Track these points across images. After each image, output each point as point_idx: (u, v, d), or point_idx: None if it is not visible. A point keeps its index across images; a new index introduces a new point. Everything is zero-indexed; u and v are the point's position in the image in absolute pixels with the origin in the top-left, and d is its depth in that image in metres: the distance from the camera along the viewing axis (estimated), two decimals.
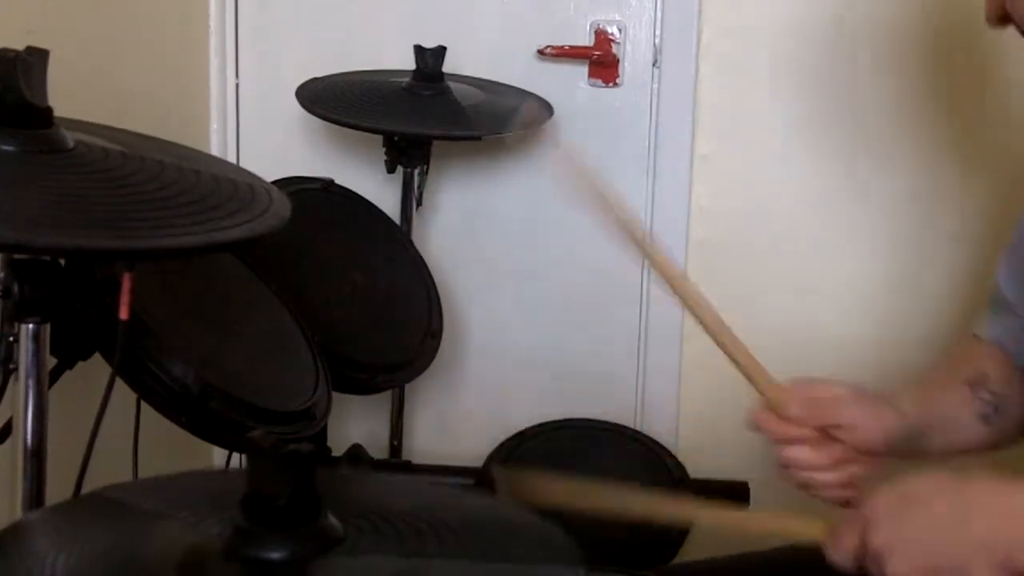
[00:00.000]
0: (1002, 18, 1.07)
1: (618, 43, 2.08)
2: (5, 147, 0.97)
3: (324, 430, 1.50)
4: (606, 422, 1.91)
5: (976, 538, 0.93)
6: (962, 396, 1.22)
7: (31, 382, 1.03)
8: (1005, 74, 1.97)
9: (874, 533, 0.96)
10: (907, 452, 1.18)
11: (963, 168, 2.00)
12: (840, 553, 0.99)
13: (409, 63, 1.90)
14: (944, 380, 1.25)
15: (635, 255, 1.07)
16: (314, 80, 1.92)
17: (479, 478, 1.70)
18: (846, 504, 1.13)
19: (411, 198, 1.97)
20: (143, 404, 1.20)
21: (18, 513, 1.05)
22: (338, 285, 1.74)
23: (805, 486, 1.14)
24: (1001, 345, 1.25)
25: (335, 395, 1.44)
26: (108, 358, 1.10)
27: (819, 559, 1.25)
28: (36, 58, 0.99)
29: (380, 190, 2.00)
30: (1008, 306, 1.25)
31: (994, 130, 1.97)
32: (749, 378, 1.12)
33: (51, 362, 1.07)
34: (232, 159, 2.18)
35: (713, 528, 1.08)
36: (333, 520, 0.75)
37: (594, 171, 1.12)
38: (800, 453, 1.12)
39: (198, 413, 1.19)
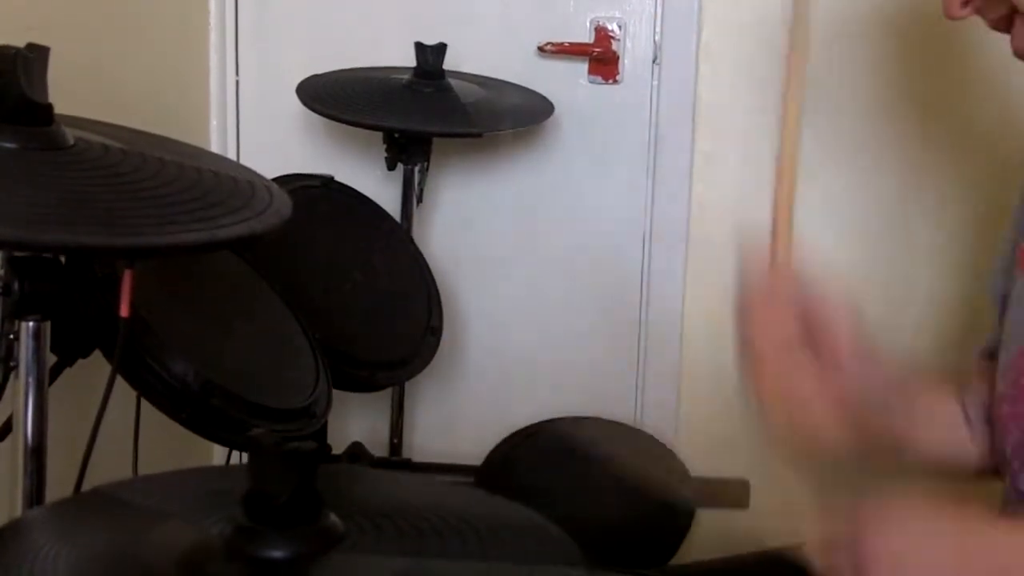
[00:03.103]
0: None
1: (618, 40, 2.08)
2: (5, 144, 0.97)
3: (324, 428, 1.50)
4: (607, 420, 1.91)
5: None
6: (947, 392, 1.19)
7: (31, 380, 1.03)
8: (1007, 73, 1.97)
9: (866, 558, 0.92)
10: (881, 429, 1.12)
11: (965, 166, 2.00)
12: (830, 562, 0.96)
13: (409, 60, 1.90)
14: (929, 378, 1.22)
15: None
16: (314, 77, 1.92)
17: (479, 476, 1.70)
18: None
19: (411, 195, 1.97)
20: (143, 401, 1.20)
21: (18, 510, 1.05)
22: (338, 282, 1.74)
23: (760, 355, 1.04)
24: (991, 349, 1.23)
25: (335, 393, 1.44)
26: (108, 356, 1.10)
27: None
28: (36, 55, 0.99)
29: (380, 187, 1.99)
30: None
31: (995, 129, 1.97)
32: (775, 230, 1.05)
33: (51, 360, 1.07)
34: (232, 156, 2.18)
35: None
36: (334, 519, 0.75)
37: None
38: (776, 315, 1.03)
39: (198, 410, 1.19)
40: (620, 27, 2.07)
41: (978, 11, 1.08)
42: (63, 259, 1.04)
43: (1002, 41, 1.08)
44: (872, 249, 2.07)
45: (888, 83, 2.01)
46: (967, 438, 1.18)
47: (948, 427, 1.19)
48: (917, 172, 2.03)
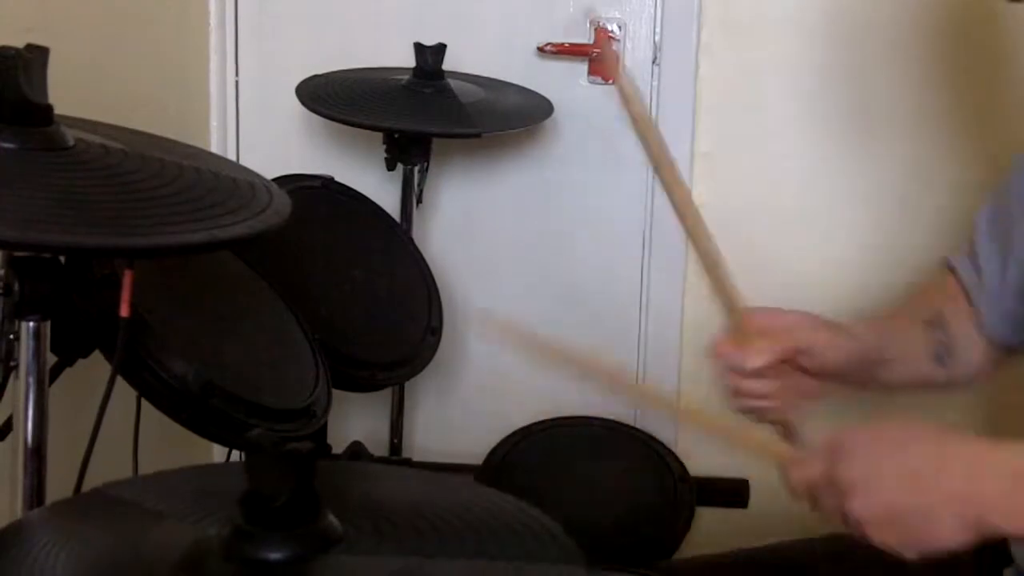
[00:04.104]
0: None
1: (618, 40, 2.08)
2: (5, 144, 0.97)
3: (324, 427, 1.50)
4: (606, 419, 1.91)
5: (947, 491, 0.91)
6: (917, 334, 1.22)
7: (31, 380, 1.03)
8: (1008, 73, 1.97)
9: (845, 466, 0.93)
10: (862, 380, 1.18)
11: (965, 165, 2.00)
12: (800, 477, 0.97)
13: (409, 60, 1.90)
14: (902, 317, 1.25)
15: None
16: (314, 77, 1.92)
17: (479, 476, 1.70)
18: (782, 430, 1.14)
19: (411, 195, 1.97)
20: (143, 402, 1.20)
21: (19, 510, 1.05)
22: (338, 282, 1.74)
23: (747, 411, 1.14)
24: (964, 285, 1.25)
25: (335, 392, 1.44)
26: (108, 356, 1.10)
27: (819, 557, 1.26)
28: (36, 56, 0.99)
29: (380, 187, 1.99)
30: (977, 257, 1.24)
31: (997, 127, 1.97)
32: (721, 296, 1.13)
33: (51, 360, 1.07)
34: (232, 156, 2.18)
35: (659, 411, 1.09)
36: (332, 519, 0.75)
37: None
38: (755, 384, 1.12)
39: (198, 410, 1.19)
40: (620, 27, 2.07)
41: None
42: (63, 259, 1.04)
43: None
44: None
45: (902, 82, 2.01)
46: (937, 371, 1.21)
47: (916, 363, 1.22)
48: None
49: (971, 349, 1.22)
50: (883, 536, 0.91)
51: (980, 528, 0.89)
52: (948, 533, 0.90)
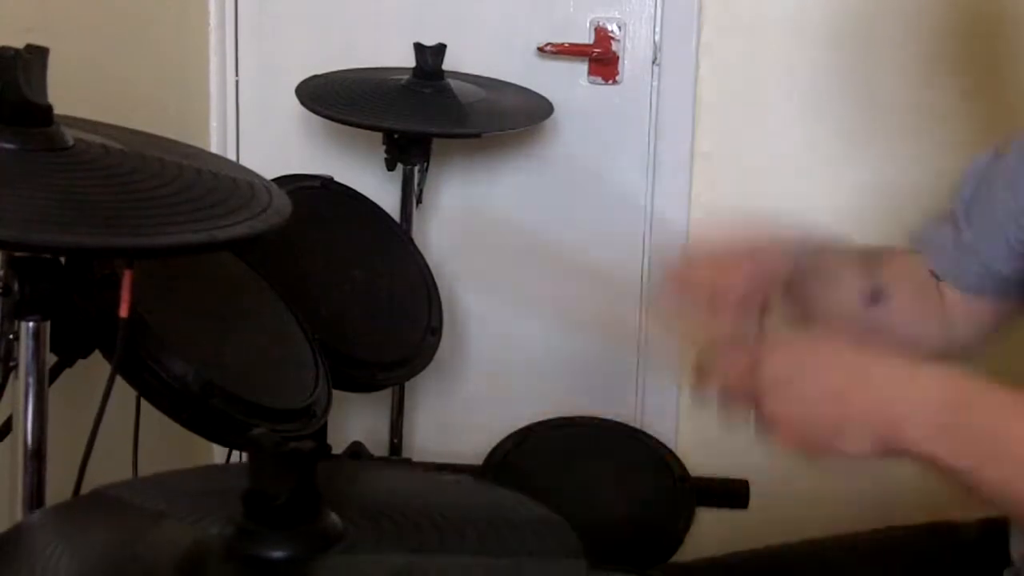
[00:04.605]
0: None
1: (618, 40, 2.08)
2: (5, 145, 0.97)
3: (324, 428, 1.50)
4: (607, 420, 1.91)
5: (862, 408, 0.91)
6: (852, 269, 1.24)
7: (31, 380, 1.03)
8: (1010, 73, 1.97)
9: (767, 365, 0.95)
10: (805, 300, 1.21)
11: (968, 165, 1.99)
12: (723, 369, 0.99)
13: (409, 60, 1.90)
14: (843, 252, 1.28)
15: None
16: (314, 77, 1.92)
17: (479, 476, 1.70)
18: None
19: (411, 195, 1.97)
20: (143, 402, 1.20)
21: (18, 511, 1.05)
22: (338, 283, 1.74)
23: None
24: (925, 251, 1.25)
25: (335, 393, 1.44)
26: (108, 356, 1.10)
27: (818, 558, 1.26)
28: (36, 56, 0.99)
29: (380, 187, 1.99)
30: (955, 217, 1.24)
31: (998, 128, 1.97)
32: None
33: (51, 360, 1.07)
34: (232, 156, 2.18)
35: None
36: (334, 518, 0.75)
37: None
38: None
39: (199, 411, 1.19)
40: (620, 27, 2.07)
41: None
42: (63, 260, 1.04)
43: None
44: None
45: (901, 82, 2.01)
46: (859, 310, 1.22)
47: (842, 289, 1.24)
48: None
49: (912, 312, 1.23)
50: (788, 439, 0.93)
51: (890, 445, 0.90)
52: (855, 446, 0.91)
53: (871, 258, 1.25)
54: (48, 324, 1.03)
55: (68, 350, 1.10)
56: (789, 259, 1.20)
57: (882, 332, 1.23)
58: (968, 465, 0.87)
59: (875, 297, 1.22)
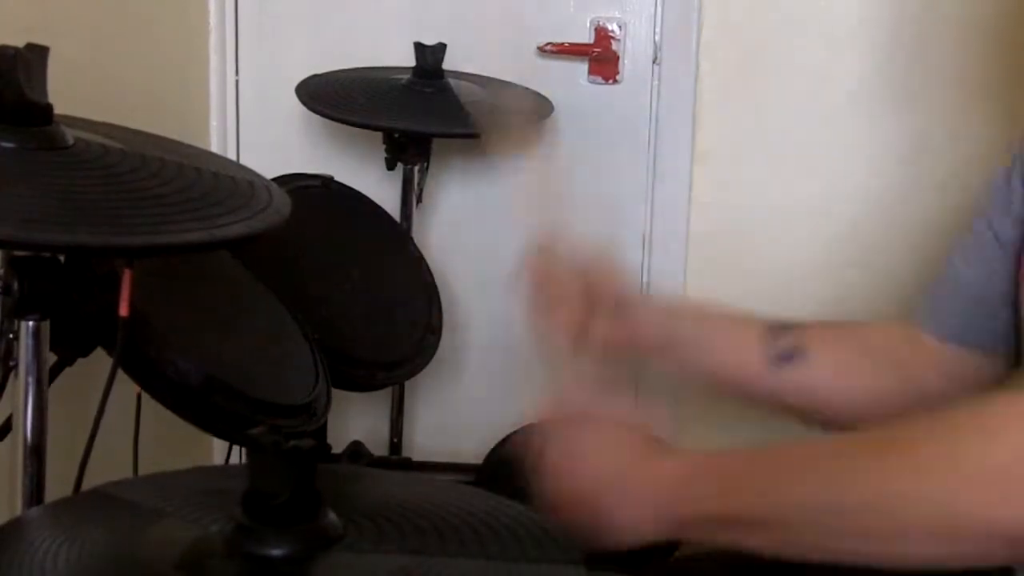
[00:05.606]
0: None
1: (618, 40, 2.08)
2: (5, 144, 0.97)
3: (324, 427, 1.50)
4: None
5: (634, 498, 0.96)
6: (747, 332, 1.23)
7: (31, 379, 1.03)
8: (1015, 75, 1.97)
9: (554, 446, 0.99)
10: (685, 364, 1.27)
11: (968, 171, 2.00)
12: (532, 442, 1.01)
13: (409, 60, 1.90)
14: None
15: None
16: (314, 77, 1.92)
17: (479, 476, 1.70)
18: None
19: (411, 195, 1.97)
20: (143, 400, 1.20)
21: (18, 509, 1.05)
22: (337, 282, 1.74)
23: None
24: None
25: (334, 392, 1.44)
26: (110, 353, 1.10)
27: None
28: (36, 55, 0.99)
29: (380, 187, 1.99)
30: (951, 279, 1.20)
31: (1001, 127, 1.97)
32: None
33: (51, 359, 1.07)
34: (232, 156, 2.18)
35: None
36: (333, 517, 0.75)
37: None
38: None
39: (200, 406, 1.19)
40: (620, 27, 2.07)
41: None
42: (63, 258, 1.04)
43: None
44: None
45: (901, 82, 2.01)
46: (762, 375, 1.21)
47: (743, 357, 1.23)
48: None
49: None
50: (569, 519, 0.94)
51: (660, 524, 0.96)
52: (630, 530, 0.96)
53: (777, 323, 1.22)
54: (48, 323, 1.03)
55: (68, 349, 1.10)
56: (624, 293, 1.25)
57: (796, 392, 1.21)
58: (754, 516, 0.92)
59: (785, 357, 1.20)
